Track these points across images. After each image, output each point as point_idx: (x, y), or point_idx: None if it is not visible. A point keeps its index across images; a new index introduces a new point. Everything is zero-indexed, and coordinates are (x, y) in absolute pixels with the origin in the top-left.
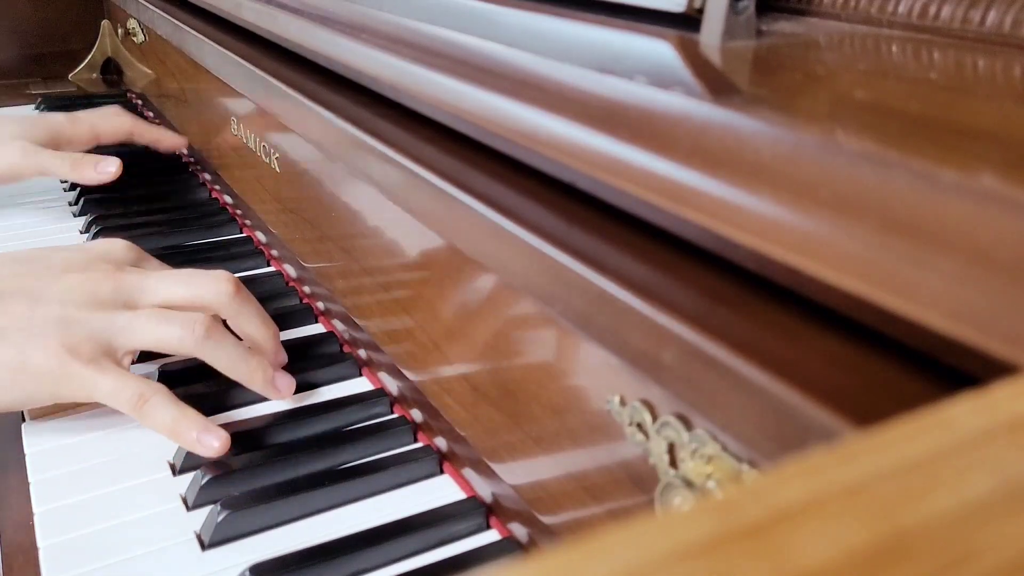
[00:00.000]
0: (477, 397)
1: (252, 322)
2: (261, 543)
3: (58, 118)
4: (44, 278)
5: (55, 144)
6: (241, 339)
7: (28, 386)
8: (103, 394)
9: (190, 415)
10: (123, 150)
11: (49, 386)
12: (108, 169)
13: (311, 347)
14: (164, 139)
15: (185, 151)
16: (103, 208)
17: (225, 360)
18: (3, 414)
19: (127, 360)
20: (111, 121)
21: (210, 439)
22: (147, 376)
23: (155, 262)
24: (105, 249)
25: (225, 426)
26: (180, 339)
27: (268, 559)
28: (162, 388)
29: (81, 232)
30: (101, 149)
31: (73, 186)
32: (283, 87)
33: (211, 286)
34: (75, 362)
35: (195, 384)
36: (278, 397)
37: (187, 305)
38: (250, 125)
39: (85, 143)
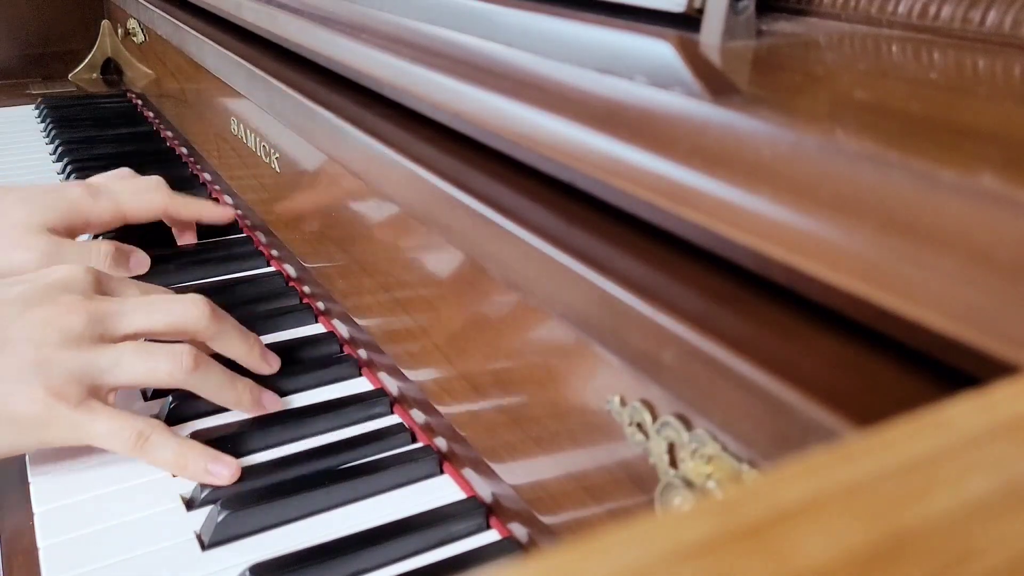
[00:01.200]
0: (477, 397)
1: (233, 341)
2: (261, 543)
3: (75, 193)
4: (5, 315)
5: (72, 227)
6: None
7: (12, 435)
8: (98, 437)
9: (195, 448)
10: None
11: (36, 433)
12: (141, 268)
13: (311, 347)
14: (206, 214)
15: (232, 219)
16: None
17: (213, 389)
18: None
19: (112, 397)
20: (141, 200)
21: (220, 468)
22: (159, 407)
23: (119, 282)
24: (64, 276)
25: (224, 426)
26: (169, 373)
27: (268, 559)
28: (160, 424)
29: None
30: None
31: (63, 171)
32: (283, 87)
33: (188, 311)
34: (62, 406)
35: None
36: (262, 412)
37: (167, 333)
38: (250, 125)
39: (109, 225)
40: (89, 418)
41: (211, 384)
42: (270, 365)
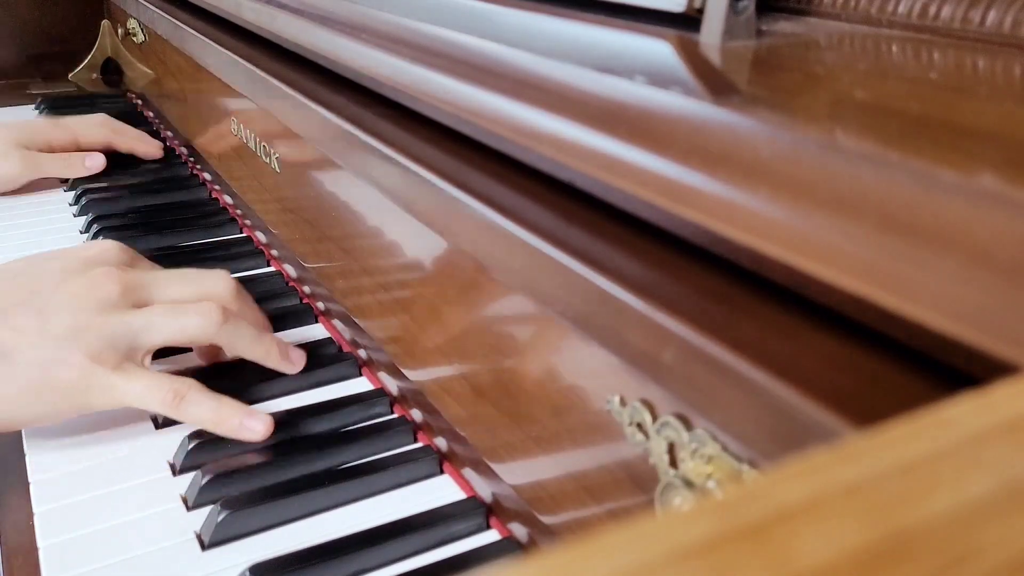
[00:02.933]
0: (477, 397)
1: (254, 314)
2: (261, 543)
3: (44, 123)
4: (45, 288)
5: (39, 146)
6: None
7: (53, 401)
8: (135, 397)
9: (229, 403)
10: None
11: (77, 398)
12: (96, 163)
13: (311, 347)
14: (138, 147)
15: (160, 154)
16: (103, 208)
17: (244, 341)
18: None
19: (147, 360)
20: (91, 131)
21: (254, 423)
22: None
23: (147, 263)
24: (100, 251)
25: None
26: (200, 327)
27: (268, 559)
28: (195, 382)
29: (81, 232)
30: None
31: (73, 185)
32: (283, 87)
33: (216, 282)
34: (101, 370)
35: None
36: (293, 370)
37: (195, 301)
38: (250, 125)
39: (66, 146)
40: (126, 379)
41: (241, 337)
42: (292, 362)
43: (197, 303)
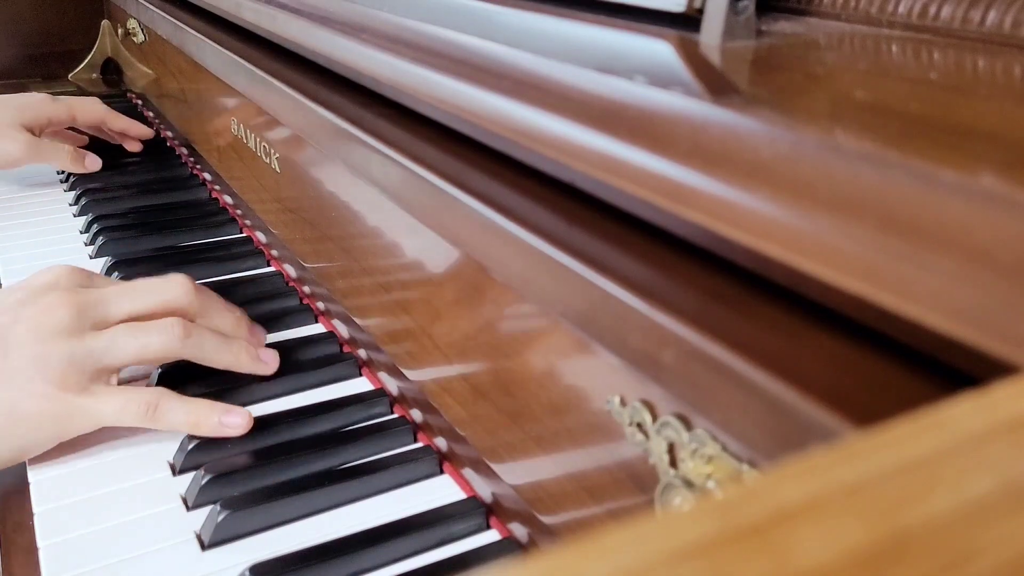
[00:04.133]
0: (477, 397)
1: (219, 314)
2: (261, 543)
3: (39, 98)
4: (1, 324)
5: (40, 121)
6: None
7: (28, 434)
8: (109, 416)
9: (204, 404)
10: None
11: (50, 428)
12: (95, 164)
13: (311, 347)
14: (131, 129)
15: (152, 135)
16: (103, 208)
17: (209, 352)
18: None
19: (114, 380)
20: (87, 106)
21: (232, 419)
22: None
23: (102, 279)
24: (50, 278)
25: None
26: (162, 344)
27: (268, 559)
28: (165, 390)
29: (81, 232)
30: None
31: (73, 186)
32: (283, 87)
33: (172, 289)
34: (69, 396)
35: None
36: (267, 371)
37: (154, 313)
38: (250, 125)
39: (64, 121)
40: (96, 401)
41: (207, 348)
42: (260, 339)
43: (157, 321)
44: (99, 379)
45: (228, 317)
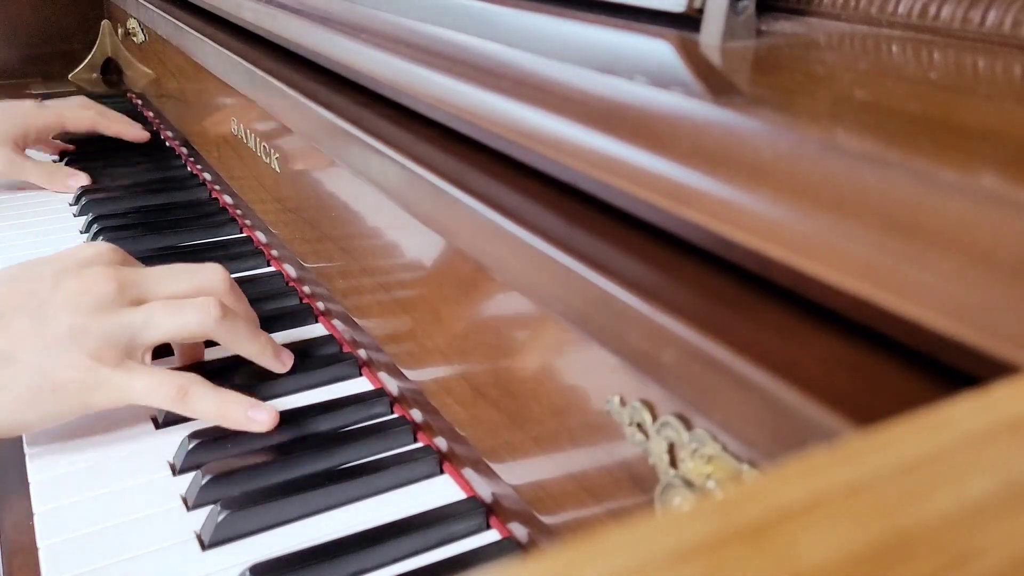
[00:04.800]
0: (477, 397)
1: (248, 311)
2: (261, 543)
3: (27, 106)
4: (40, 291)
5: (25, 131)
6: None
7: (57, 402)
8: (139, 394)
9: (233, 396)
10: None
11: (80, 397)
12: (79, 182)
13: (311, 347)
14: (126, 132)
15: (147, 137)
16: (103, 208)
17: (240, 337)
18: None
19: (147, 357)
20: (76, 112)
21: (259, 414)
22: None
23: (140, 264)
24: (94, 253)
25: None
26: (199, 322)
27: (268, 559)
28: (197, 376)
29: (81, 232)
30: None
31: None
32: (283, 87)
33: (211, 276)
34: (103, 368)
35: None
36: (282, 369)
37: (191, 296)
38: (250, 125)
39: (53, 129)
40: (129, 377)
41: (237, 333)
42: (283, 362)
43: (195, 299)
44: (134, 355)
45: (252, 314)
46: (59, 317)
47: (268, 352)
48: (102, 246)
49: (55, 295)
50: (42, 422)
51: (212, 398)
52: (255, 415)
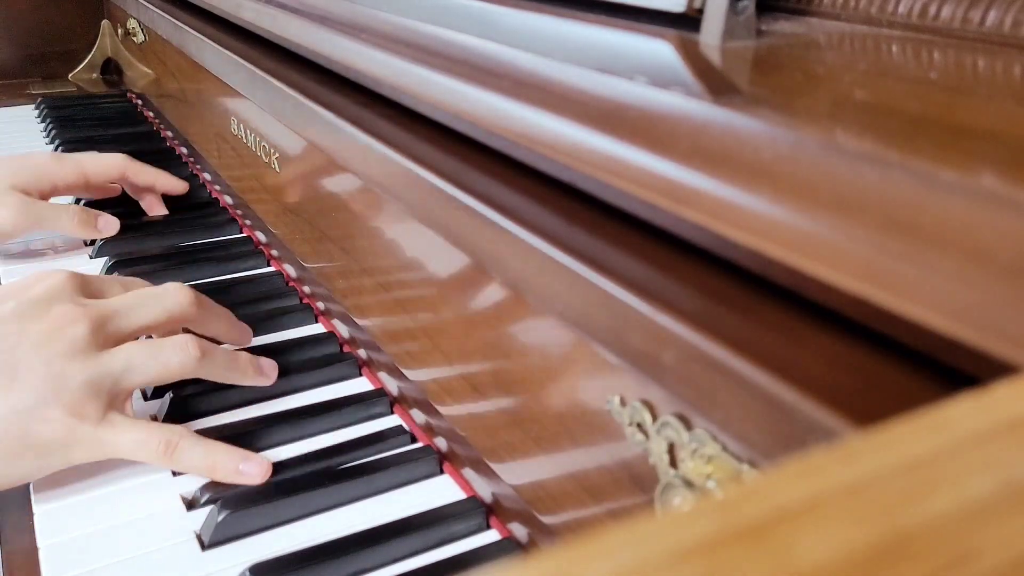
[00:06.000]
0: (477, 397)
1: (218, 319)
2: (261, 543)
3: (43, 158)
4: (4, 335)
5: (42, 186)
6: (208, 338)
7: (36, 460)
8: (124, 450)
9: (222, 448)
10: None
11: (61, 456)
12: (110, 228)
13: (311, 347)
14: (160, 182)
15: (186, 189)
16: (103, 209)
17: (222, 370)
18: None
19: (128, 404)
20: (100, 160)
21: (250, 467)
22: (156, 407)
23: (97, 280)
24: (50, 286)
25: (224, 427)
26: (181, 364)
27: (268, 559)
28: (184, 430)
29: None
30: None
31: None
32: (283, 87)
33: (177, 299)
34: (84, 426)
35: (187, 386)
36: (267, 382)
37: (164, 324)
38: (250, 125)
39: (72, 183)
40: (113, 433)
41: (218, 366)
42: (266, 375)
43: (172, 339)
44: (116, 404)
45: (225, 321)
46: (32, 366)
47: (249, 373)
48: (57, 276)
49: (21, 343)
50: (19, 479)
51: (200, 452)
52: (246, 468)
